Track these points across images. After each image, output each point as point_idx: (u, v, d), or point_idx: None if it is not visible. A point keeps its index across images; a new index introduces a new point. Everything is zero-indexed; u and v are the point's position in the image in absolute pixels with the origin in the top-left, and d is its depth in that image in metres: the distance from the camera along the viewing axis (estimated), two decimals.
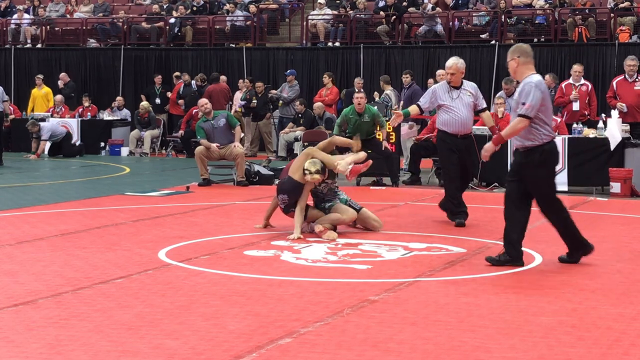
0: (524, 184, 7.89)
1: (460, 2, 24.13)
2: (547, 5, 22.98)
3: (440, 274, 7.60)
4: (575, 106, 15.50)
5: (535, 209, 7.99)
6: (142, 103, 22.26)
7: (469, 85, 10.76)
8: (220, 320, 5.93)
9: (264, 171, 15.38)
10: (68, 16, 27.48)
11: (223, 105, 21.02)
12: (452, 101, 10.53)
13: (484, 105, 10.92)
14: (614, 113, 14.49)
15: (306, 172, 9.49)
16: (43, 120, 21.54)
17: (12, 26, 27.10)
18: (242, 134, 17.60)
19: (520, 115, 7.73)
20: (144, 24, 26.02)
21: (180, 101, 22.73)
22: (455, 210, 10.49)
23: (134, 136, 21.86)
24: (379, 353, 5.21)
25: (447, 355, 5.18)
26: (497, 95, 16.18)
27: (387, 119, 16.08)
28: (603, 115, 14.98)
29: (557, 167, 8.67)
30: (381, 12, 23.65)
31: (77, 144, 21.57)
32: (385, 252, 8.63)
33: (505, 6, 23.01)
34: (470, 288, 7.02)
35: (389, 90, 18.90)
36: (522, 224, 7.91)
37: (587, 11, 22.50)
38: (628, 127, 14.69)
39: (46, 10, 27.38)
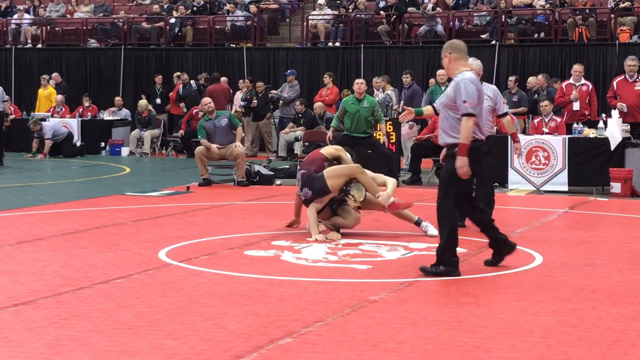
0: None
1: (460, 2, 24.12)
2: (548, 5, 22.99)
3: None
4: (576, 106, 15.49)
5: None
6: (141, 102, 22.24)
7: (489, 89, 10.14)
8: (220, 320, 5.93)
9: (265, 171, 15.37)
10: (68, 16, 27.46)
11: (224, 106, 21.01)
12: None
13: (504, 110, 10.40)
14: (614, 113, 14.48)
15: (350, 196, 9.51)
16: (44, 120, 21.54)
17: (13, 26, 27.09)
18: (243, 134, 17.57)
19: (464, 115, 7.45)
20: (144, 24, 26.01)
21: (182, 104, 22.74)
22: None
23: (134, 136, 21.86)
24: (379, 353, 5.21)
25: (447, 355, 5.18)
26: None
27: (387, 119, 16.13)
28: (603, 115, 14.97)
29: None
30: (381, 12, 23.66)
31: (78, 144, 21.58)
32: (386, 252, 8.64)
33: (505, 6, 23.00)
34: (470, 288, 7.03)
35: (389, 90, 18.91)
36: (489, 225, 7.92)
37: (587, 11, 22.49)
38: (628, 127, 14.69)
39: (46, 10, 27.37)
